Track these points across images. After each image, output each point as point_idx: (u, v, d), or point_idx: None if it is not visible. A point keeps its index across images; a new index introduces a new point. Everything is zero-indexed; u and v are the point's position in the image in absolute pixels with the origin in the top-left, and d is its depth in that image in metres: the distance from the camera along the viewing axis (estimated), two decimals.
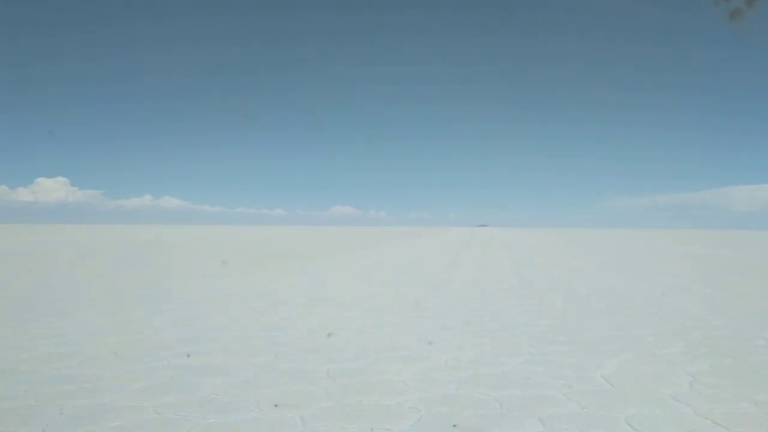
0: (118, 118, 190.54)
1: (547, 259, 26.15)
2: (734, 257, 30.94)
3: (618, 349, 7.68)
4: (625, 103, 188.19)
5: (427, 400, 5.48)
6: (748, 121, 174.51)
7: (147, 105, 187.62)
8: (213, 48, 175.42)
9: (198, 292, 13.22)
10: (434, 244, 45.61)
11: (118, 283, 15.10)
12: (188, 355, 7.04)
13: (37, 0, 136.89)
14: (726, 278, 17.87)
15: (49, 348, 7.46)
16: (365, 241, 52.59)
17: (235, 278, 16.55)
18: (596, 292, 13.76)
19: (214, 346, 7.62)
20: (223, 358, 7.02)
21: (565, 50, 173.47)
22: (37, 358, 6.92)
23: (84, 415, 5.02)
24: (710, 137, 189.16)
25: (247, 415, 5.05)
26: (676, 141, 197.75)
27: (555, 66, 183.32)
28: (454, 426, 4.85)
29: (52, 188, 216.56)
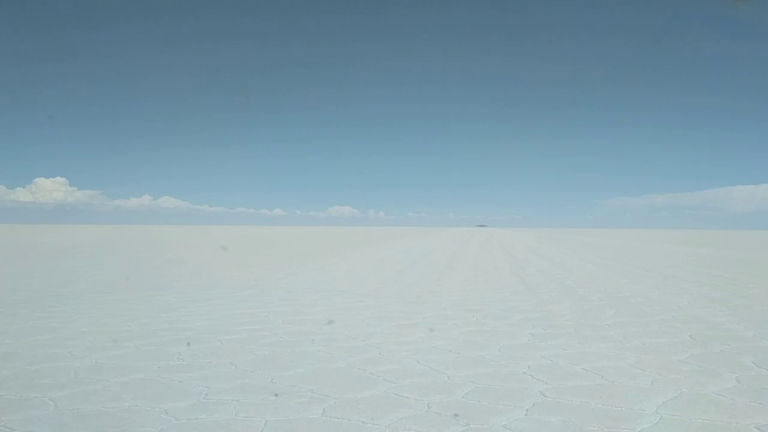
0: (118, 118, 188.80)
1: (555, 265, 24.09)
2: (748, 260, 28.88)
3: (675, 399, 5.65)
4: (623, 103, 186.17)
5: None
6: (746, 121, 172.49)
7: (146, 105, 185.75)
8: (212, 47, 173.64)
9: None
10: (428, 247, 43.62)
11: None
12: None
13: (34, 2, 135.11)
14: (752, 283, 15.82)
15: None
16: (367, 241, 50.65)
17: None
18: (625, 311, 11.70)
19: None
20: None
21: (564, 50, 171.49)
22: None
23: None
24: (708, 137, 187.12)
25: None
26: (674, 141, 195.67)
27: (554, 66, 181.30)
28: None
29: (51, 188, 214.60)
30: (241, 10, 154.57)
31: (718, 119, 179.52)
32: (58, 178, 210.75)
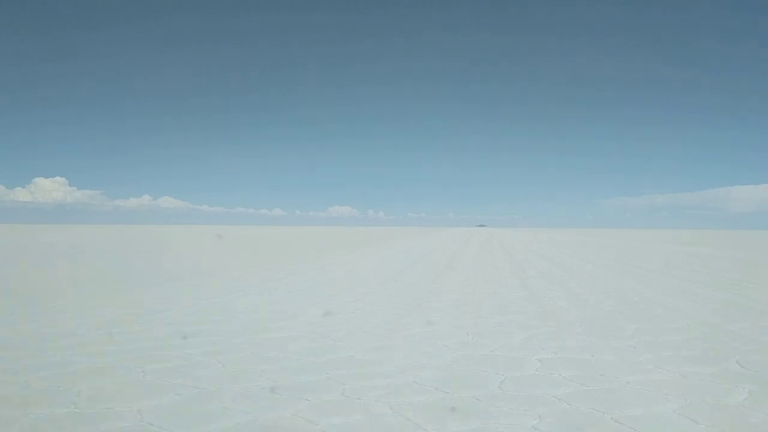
0: (117, 118, 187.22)
1: (557, 267, 22.34)
2: (758, 261, 27.10)
3: None
4: (623, 103, 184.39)
5: None
6: (746, 121, 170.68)
7: (146, 105, 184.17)
8: (212, 47, 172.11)
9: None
10: (426, 248, 41.91)
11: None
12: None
13: (34, 2, 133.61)
14: None
15: None
16: (365, 242, 48.92)
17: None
18: (648, 326, 9.94)
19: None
20: None
21: (564, 50, 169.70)
22: None
23: None
24: (708, 137, 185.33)
25: None
26: (674, 141, 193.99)
27: (554, 66, 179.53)
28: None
29: (51, 188, 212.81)
30: (240, 10, 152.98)
31: (718, 119, 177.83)
32: (58, 178, 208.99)
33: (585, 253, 30.94)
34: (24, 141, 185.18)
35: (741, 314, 10.16)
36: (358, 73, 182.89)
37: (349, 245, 41.54)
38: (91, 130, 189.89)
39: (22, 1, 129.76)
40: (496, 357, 6.89)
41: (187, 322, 8.98)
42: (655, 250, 36.65)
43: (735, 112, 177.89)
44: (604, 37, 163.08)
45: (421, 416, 4.77)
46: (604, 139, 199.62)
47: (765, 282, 16.27)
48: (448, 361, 6.67)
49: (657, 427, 4.59)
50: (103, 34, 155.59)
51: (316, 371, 6.17)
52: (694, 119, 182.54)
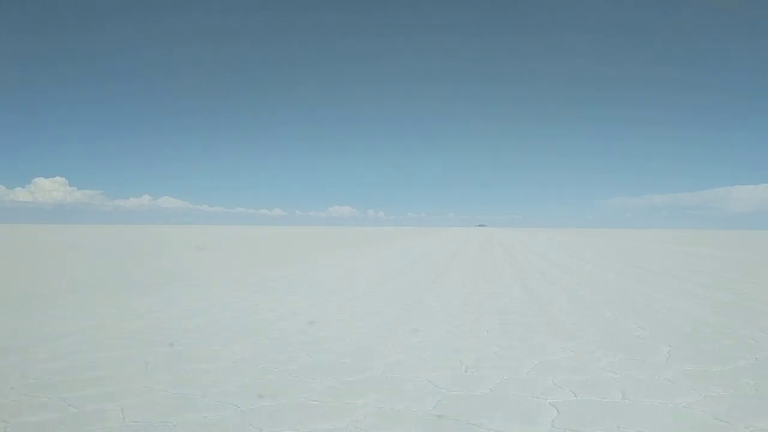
0: (117, 118, 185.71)
1: (563, 270, 20.57)
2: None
3: None
4: (623, 103, 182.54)
5: None
6: (746, 121, 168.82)
7: (146, 105, 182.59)
8: (212, 48, 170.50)
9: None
10: (425, 249, 40.17)
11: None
12: None
13: (34, 1, 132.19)
14: None
15: None
16: (362, 242, 47.21)
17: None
18: (686, 353, 8.19)
19: None
20: None
21: (563, 49, 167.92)
22: None
23: None
24: (708, 137, 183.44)
25: None
26: (674, 141, 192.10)
27: (553, 66, 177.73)
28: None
29: (50, 188, 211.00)
30: (240, 10, 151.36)
31: (718, 119, 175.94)
32: (58, 178, 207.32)
33: (591, 256, 29.16)
34: (24, 141, 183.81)
35: None
36: (358, 73, 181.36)
37: (346, 246, 39.82)
38: (91, 130, 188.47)
39: (22, 1, 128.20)
40: (497, 400, 5.15)
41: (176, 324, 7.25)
42: (659, 251, 34.85)
43: (735, 112, 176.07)
44: (604, 37, 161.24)
45: None
46: (604, 139, 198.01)
47: None
48: (431, 406, 4.93)
49: None
50: (102, 35, 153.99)
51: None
52: (694, 119, 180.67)
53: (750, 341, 7.66)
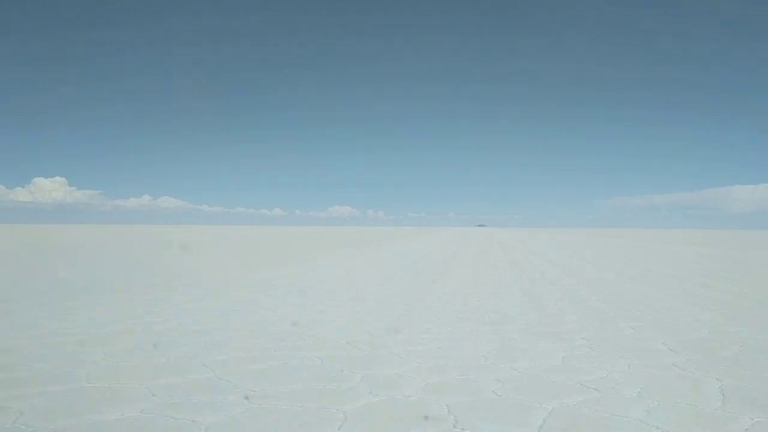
0: (117, 118, 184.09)
1: (569, 274, 18.90)
2: None
3: None
4: (623, 102, 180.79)
5: None
6: (746, 120, 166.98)
7: (146, 105, 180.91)
8: (211, 48, 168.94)
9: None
10: (422, 250, 38.54)
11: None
12: None
13: (34, 2, 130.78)
14: None
15: None
16: (357, 243, 45.55)
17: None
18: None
19: None
20: None
21: (563, 49, 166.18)
22: None
23: None
24: (708, 137, 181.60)
25: None
26: (673, 141, 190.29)
27: (553, 66, 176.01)
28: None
29: (50, 188, 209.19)
30: (239, 10, 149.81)
31: (718, 119, 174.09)
32: (57, 178, 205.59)
33: (595, 257, 27.46)
34: (24, 141, 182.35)
35: None
36: (358, 72, 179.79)
37: (343, 247, 38.15)
38: (91, 130, 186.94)
39: (21, 2, 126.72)
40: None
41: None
42: (665, 252, 33.13)
43: (734, 111, 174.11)
44: (604, 37, 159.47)
45: None
46: (604, 139, 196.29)
47: None
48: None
49: None
50: (102, 35, 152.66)
51: None
52: (694, 119, 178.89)
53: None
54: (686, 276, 16.94)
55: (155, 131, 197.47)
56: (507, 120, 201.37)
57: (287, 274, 16.55)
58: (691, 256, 28.40)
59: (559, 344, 7.25)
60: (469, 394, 5.17)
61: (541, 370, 6.01)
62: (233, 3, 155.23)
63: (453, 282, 14.68)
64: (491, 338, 7.57)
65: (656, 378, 5.72)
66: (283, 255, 28.19)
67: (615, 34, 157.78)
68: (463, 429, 4.33)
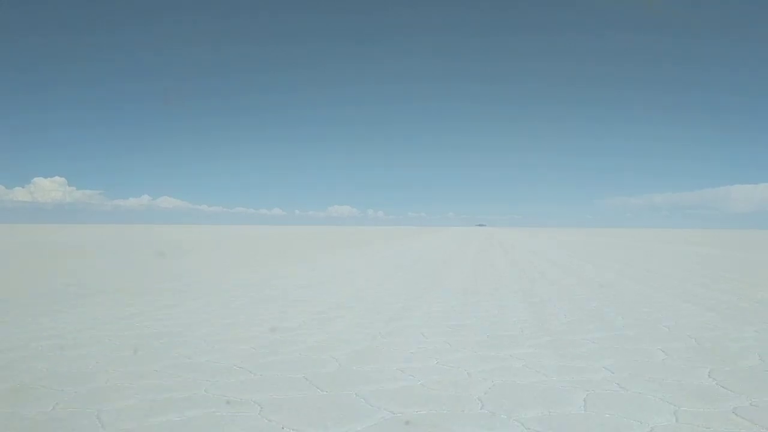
0: (117, 118, 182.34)
1: (578, 279, 17.22)
2: None
3: None
4: (622, 102, 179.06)
5: None
6: (746, 120, 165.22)
7: (145, 105, 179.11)
8: (211, 48, 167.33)
9: None
10: (419, 252, 36.88)
11: None
12: None
13: (34, 3, 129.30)
14: None
15: None
16: (351, 243, 43.90)
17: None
18: None
19: None
20: None
21: (563, 48, 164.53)
22: None
23: None
24: (708, 137, 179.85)
25: None
26: (673, 140, 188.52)
27: (553, 65, 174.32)
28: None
29: (50, 188, 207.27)
30: (239, 10, 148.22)
31: (718, 119, 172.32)
32: (57, 178, 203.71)
33: (601, 258, 25.75)
34: (23, 141, 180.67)
35: None
36: (358, 72, 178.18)
37: (341, 247, 36.49)
38: (91, 130, 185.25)
39: (21, 3, 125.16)
40: None
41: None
42: (673, 253, 31.43)
43: (734, 111, 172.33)
44: (604, 37, 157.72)
45: None
46: (604, 138, 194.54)
47: None
48: None
49: None
50: (101, 36, 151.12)
51: None
52: (694, 119, 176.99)
53: None
54: (731, 288, 15.23)
55: (155, 131, 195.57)
56: (507, 120, 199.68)
57: (254, 281, 14.88)
58: (699, 258, 26.69)
59: (578, 377, 5.59)
60: None
61: (557, 424, 4.35)
62: (231, 4, 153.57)
63: (449, 289, 13.00)
64: (490, 369, 5.91)
65: None
66: (271, 256, 26.55)
67: (615, 33, 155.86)
68: None
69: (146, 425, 4.28)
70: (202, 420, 4.42)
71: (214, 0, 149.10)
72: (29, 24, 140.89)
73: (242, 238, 58.75)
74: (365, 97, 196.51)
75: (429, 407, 4.72)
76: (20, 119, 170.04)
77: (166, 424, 4.30)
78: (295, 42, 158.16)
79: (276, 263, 21.41)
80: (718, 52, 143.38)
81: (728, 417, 4.52)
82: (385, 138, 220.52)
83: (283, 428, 4.28)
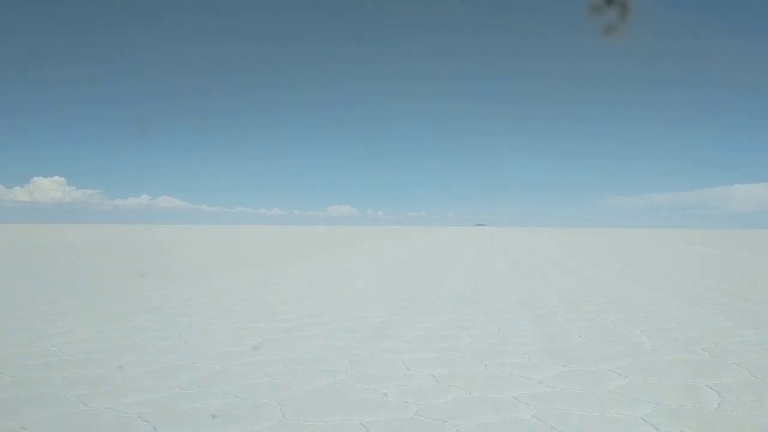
0: (116, 118, 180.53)
1: (590, 288, 15.60)
2: None
3: None
4: (622, 102, 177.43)
5: None
6: (746, 120, 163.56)
7: (145, 105, 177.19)
8: (211, 48, 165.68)
9: None
10: (414, 254, 35.30)
11: None
12: None
13: (34, 3, 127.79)
14: None
15: None
16: (347, 243, 42.30)
17: None
18: None
19: None
20: None
21: (563, 50, 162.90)
22: None
23: None
24: (707, 136, 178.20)
25: None
26: (673, 140, 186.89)
27: (553, 66, 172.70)
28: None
29: (49, 188, 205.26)
30: (237, 11, 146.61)
31: (718, 118, 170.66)
32: (57, 178, 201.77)
33: (610, 260, 24.09)
34: (23, 140, 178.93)
35: None
36: (357, 72, 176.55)
37: (339, 247, 34.86)
38: (90, 130, 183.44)
39: (20, 3, 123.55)
40: None
41: None
42: (684, 254, 29.78)
43: (734, 111, 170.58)
44: (603, 37, 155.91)
45: None
46: (604, 138, 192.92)
47: None
48: None
49: None
50: (101, 36, 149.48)
51: None
52: (694, 119, 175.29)
53: None
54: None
55: (154, 131, 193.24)
56: (506, 120, 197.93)
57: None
58: (704, 260, 25.02)
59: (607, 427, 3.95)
60: None
61: None
62: (231, 4, 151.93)
63: (441, 298, 11.36)
64: (488, 424, 4.28)
65: None
66: (264, 257, 24.91)
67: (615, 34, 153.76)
68: None
69: None
70: None
71: (213, 0, 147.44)
72: (28, 24, 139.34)
73: (229, 238, 57.16)
74: (365, 97, 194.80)
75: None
76: (20, 119, 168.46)
77: None
78: (295, 42, 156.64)
79: (256, 268, 19.77)
80: (717, 51, 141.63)
81: None
82: (384, 138, 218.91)
83: None
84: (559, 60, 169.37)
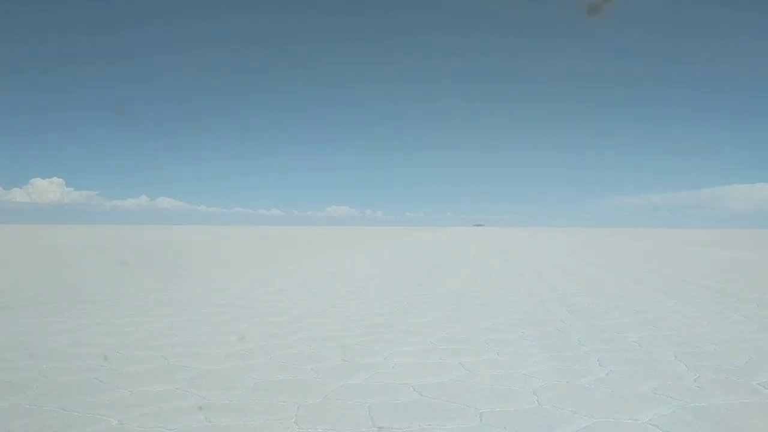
0: (114, 118, 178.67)
1: (609, 303, 14.03)
2: None
3: None
4: (621, 102, 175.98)
5: None
6: (744, 120, 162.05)
7: (143, 105, 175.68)
8: (209, 49, 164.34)
9: None
10: (409, 255, 33.78)
11: None
12: None
13: (33, 5, 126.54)
14: None
15: None
16: (342, 244, 40.78)
17: None
18: None
19: None
20: None
21: (561, 48, 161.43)
22: None
23: None
24: (706, 136, 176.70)
25: None
26: (672, 140, 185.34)
27: (552, 65, 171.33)
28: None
29: (48, 189, 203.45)
30: (239, 11, 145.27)
31: (717, 118, 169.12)
32: (55, 179, 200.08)
33: (619, 264, 22.51)
34: (21, 142, 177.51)
35: None
36: (356, 72, 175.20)
37: (338, 247, 33.32)
38: (88, 131, 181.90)
39: (20, 5, 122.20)
40: None
41: None
42: (690, 256, 28.17)
43: (733, 110, 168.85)
44: (603, 37, 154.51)
45: None
46: (602, 138, 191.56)
47: None
48: None
49: None
50: (100, 38, 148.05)
51: None
52: (692, 118, 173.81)
53: None
54: None
55: (153, 132, 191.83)
56: (505, 119, 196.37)
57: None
58: (744, 264, 23.41)
59: None
60: None
61: None
62: (231, 4, 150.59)
63: (430, 315, 9.80)
64: None
65: None
66: (255, 259, 23.35)
67: (613, 33, 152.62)
68: None
69: None
70: None
71: (213, 0, 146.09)
72: (27, 26, 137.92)
73: (229, 238, 55.67)
74: (363, 98, 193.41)
75: None
76: (18, 120, 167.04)
77: None
78: (294, 42, 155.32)
79: (230, 272, 18.20)
80: (717, 51, 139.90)
81: None
82: (383, 138, 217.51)
83: None
84: (559, 59, 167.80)
